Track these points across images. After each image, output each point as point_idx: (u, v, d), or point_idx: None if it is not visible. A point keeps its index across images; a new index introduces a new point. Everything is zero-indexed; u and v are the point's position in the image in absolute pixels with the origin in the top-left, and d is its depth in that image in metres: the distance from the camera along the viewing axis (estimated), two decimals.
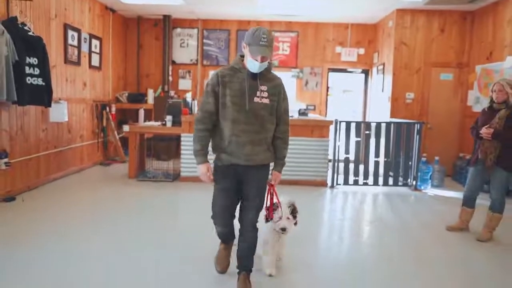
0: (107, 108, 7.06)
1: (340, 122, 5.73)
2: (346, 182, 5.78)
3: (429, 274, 2.98)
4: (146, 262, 2.96)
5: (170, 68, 8.03)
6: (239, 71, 2.44)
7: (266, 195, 2.60)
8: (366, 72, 8.29)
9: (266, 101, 2.42)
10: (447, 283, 2.85)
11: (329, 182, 5.81)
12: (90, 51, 6.54)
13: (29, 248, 3.15)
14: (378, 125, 5.80)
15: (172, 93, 7.91)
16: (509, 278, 2.99)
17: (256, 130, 2.40)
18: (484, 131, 3.58)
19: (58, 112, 5.37)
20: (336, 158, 5.78)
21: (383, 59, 7.37)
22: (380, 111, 7.40)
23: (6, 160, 4.39)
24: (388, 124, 5.94)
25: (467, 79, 6.72)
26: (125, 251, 3.17)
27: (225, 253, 2.80)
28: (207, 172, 2.45)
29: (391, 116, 6.78)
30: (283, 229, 2.64)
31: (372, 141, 5.83)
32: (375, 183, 5.83)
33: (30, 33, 4.50)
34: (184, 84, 8.26)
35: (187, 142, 5.58)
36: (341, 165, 5.80)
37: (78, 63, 6.13)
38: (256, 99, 2.39)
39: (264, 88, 2.43)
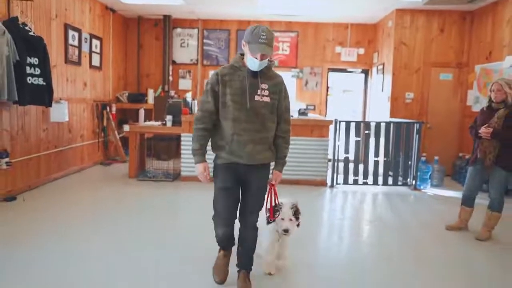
0: (108, 108, 7.08)
1: (340, 121, 5.74)
2: (345, 181, 5.80)
3: (429, 273, 3.00)
4: (146, 262, 2.97)
5: (170, 68, 8.04)
6: (239, 69, 2.41)
7: (266, 195, 2.59)
8: (366, 72, 8.31)
9: (267, 99, 2.40)
10: (446, 282, 2.86)
11: (328, 182, 5.82)
12: (91, 51, 6.56)
13: (30, 247, 3.16)
14: (378, 124, 5.81)
15: (172, 93, 7.93)
16: (508, 277, 3.01)
17: (257, 128, 2.38)
18: (483, 131, 3.60)
19: (59, 112, 5.38)
20: (336, 157, 5.80)
21: (383, 59, 7.38)
22: (379, 111, 7.41)
23: (7, 159, 4.40)
24: (387, 123, 5.95)
25: (466, 79, 6.73)
26: (125, 251, 3.18)
27: (224, 261, 2.71)
28: (204, 171, 2.45)
29: (391, 116, 6.80)
30: (286, 231, 2.62)
31: (372, 140, 5.84)
32: (375, 182, 5.84)
33: (31, 33, 4.52)
34: (184, 84, 8.28)
35: (187, 142, 5.59)
36: (341, 164, 5.81)
37: (78, 63, 6.14)
38: (257, 98, 2.37)
39: (265, 86, 2.41)
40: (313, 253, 3.35)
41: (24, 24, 4.47)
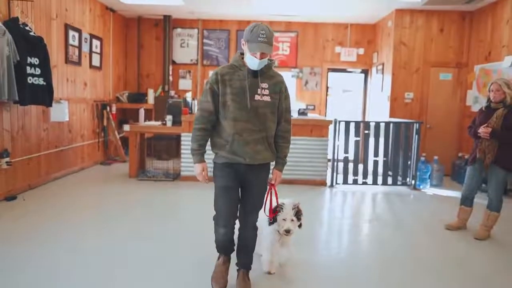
0: (108, 108, 7.09)
1: (340, 121, 5.75)
2: (345, 181, 5.81)
3: (427, 272, 3.01)
4: (146, 261, 2.98)
5: (171, 68, 8.06)
6: (239, 68, 2.39)
7: (266, 195, 2.58)
8: (365, 72, 8.32)
9: (267, 98, 2.38)
10: (445, 281, 2.87)
11: (328, 182, 5.84)
12: (91, 51, 6.57)
13: (30, 246, 3.18)
14: (377, 124, 5.83)
15: (172, 93, 7.95)
16: (507, 276, 3.02)
17: (258, 128, 2.36)
18: (482, 130, 3.61)
19: (59, 112, 5.40)
20: (336, 157, 5.81)
21: (383, 59, 7.39)
22: (379, 111, 7.42)
23: (7, 159, 4.42)
24: (387, 123, 5.96)
25: (466, 79, 6.74)
26: (125, 250, 3.19)
27: (223, 268, 2.63)
28: (202, 171, 2.45)
29: (391, 116, 6.81)
30: (287, 231, 2.61)
31: (371, 140, 5.86)
32: (374, 182, 5.86)
33: (31, 34, 4.54)
34: (184, 84, 8.29)
35: (187, 142, 5.61)
36: (340, 164, 5.83)
37: (78, 63, 6.16)
38: (257, 97, 2.35)
39: (265, 85, 2.38)
40: (312, 252, 3.36)
41: (25, 24, 4.49)
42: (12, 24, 4.28)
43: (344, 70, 8.37)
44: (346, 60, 8.11)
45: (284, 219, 2.62)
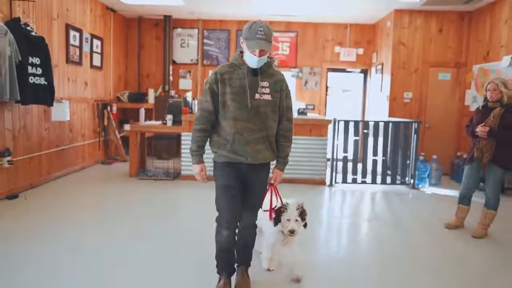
0: (108, 108, 7.12)
1: (339, 121, 5.78)
2: (344, 180, 5.84)
3: (426, 270, 3.03)
4: (147, 261, 3.00)
5: (171, 68, 8.09)
6: (239, 67, 2.35)
7: (265, 194, 2.56)
8: (365, 72, 8.35)
9: (267, 97, 2.34)
10: (444, 280, 2.90)
11: (327, 181, 5.87)
12: (92, 51, 6.60)
13: (31, 245, 3.20)
14: (376, 124, 5.86)
15: (172, 92, 7.97)
16: (504, 274, 3.04)
17: (258, 127, 2.33)
18: (480, 129, 3.64)
19: (60, 111, 5.43)
20: (335, 156, 5.84)
21: (382, 59, 7.42)
22: (378, 111, 7.45)
23: (9, 158, 4.45)
24: (386, 123, 5.99)
25: (464, 79, 6.77)
26: (125, 249, 3.21)
27: None
28: (200, 172, 2.44)
29: (390, 115, 6.84)
30: (292, 232, 2.57)
31: (371, 140, 5.89)
32: (373, 181, 5.88)
33: (33, 34, 4.57)
34: (185, 83, 8.32)
35: (187, 141, 5.64)
36: (340, 163, 5.85)
37: (79, 63, 6.19)
38: (257, 96, 2.31)
39: (265, 84, 2.35)
40: (311, 250, 3.37)
41: (26, 25, 4.52)
42: (14, 24, 4.31)
43: (343, 70, 8.40)
44: (345, 60, 8.14)
45: (288, 220, 2.57)
